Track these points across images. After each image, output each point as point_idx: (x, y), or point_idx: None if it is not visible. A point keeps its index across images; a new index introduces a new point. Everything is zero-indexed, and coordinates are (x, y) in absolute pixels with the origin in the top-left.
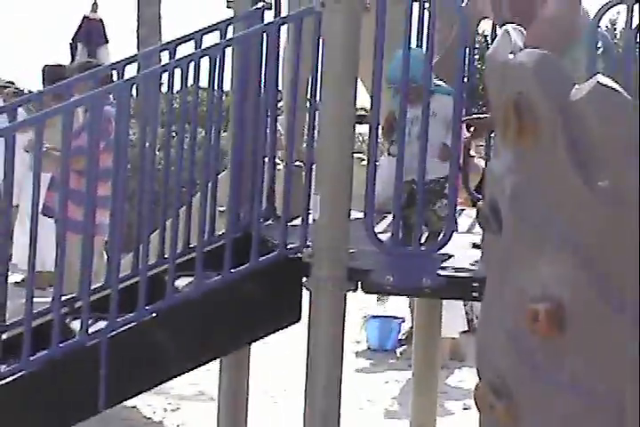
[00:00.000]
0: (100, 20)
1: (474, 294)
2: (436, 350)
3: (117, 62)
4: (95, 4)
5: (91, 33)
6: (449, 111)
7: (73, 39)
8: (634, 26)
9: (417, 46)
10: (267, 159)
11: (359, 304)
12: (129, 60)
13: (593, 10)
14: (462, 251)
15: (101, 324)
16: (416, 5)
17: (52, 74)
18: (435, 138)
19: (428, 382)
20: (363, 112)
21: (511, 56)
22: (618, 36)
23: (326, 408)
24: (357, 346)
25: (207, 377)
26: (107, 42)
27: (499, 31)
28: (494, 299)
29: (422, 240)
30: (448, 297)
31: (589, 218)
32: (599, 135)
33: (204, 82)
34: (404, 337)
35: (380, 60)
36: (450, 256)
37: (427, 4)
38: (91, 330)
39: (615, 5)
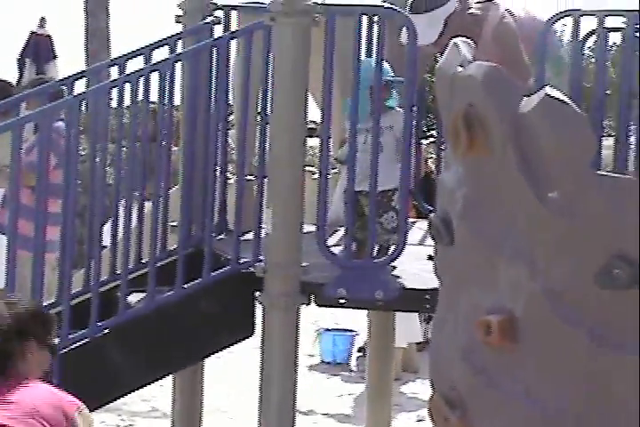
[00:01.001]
0: (48, 36)
1: (427, 306)
2: (389, 362)
3: (66, 78)
4: (43, 19)
5: (39, 48)
6: None
7: (21, 55)
8: (580, 37)
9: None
10: (218, 173)
11: (312, 318)
12: (78, 76)
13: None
14: (415, 263)
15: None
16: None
17: None
18: (389, 150)
19: (382, 394)
20: (313, 125)
21: (460, 69)
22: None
23: (281, 423)
24: (311, 359)
25: (160, 393)
26: (55, 57)
27: None
28: (448, 311)
29: (375, 253)
30: (401, 310)
31: (542, 230)
32: (549, 147)
33: (154, 97)
34: (359, 350)
35: (329, 73)
36: (402, 269)
37: (375, 18)
38: None
39: (562, 18)
